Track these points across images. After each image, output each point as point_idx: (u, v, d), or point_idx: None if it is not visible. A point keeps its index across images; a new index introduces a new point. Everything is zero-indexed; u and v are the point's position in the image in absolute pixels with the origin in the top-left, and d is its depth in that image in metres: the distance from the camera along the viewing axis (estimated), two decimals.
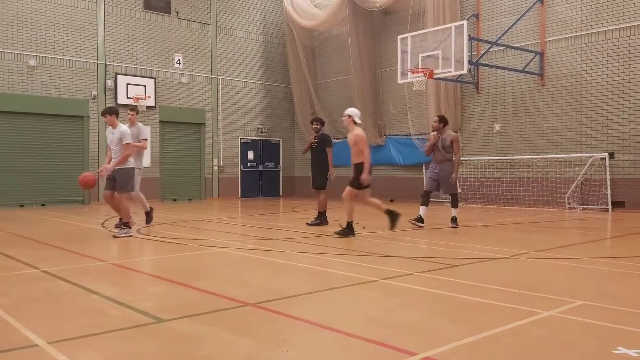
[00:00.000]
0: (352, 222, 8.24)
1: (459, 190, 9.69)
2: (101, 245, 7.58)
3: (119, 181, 8.37)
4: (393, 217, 8.56)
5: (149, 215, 9.84)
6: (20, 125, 15.72)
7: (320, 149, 10.02)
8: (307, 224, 9.95)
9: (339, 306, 4.19)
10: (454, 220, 9.62)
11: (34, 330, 3.42)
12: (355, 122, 8.24)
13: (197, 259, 6.57)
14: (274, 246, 7.47)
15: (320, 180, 10.02)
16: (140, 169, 9.55)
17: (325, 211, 10.01)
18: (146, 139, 9.68)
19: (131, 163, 8.53)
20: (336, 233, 8.32)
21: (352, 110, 8.34)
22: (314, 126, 10.21)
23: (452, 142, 9.49)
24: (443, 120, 9.67)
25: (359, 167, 8.16)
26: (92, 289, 4.68)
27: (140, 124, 9.76)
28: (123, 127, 8.49)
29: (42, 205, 15.86)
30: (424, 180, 9.81)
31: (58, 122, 16.31)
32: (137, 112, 9.83)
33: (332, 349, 3.18)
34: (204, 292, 4.60)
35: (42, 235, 8.58)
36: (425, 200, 9.70)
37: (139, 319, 3.76)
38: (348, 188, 8.24)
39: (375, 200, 8.58)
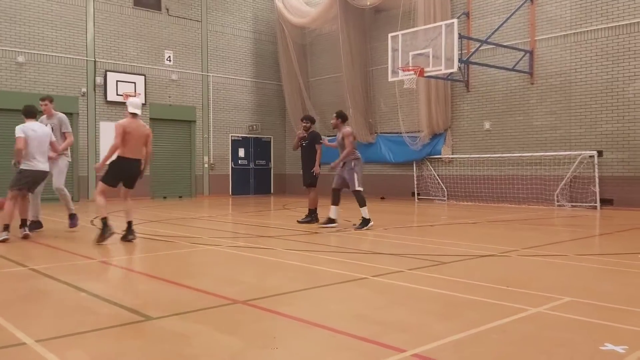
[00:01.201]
0: (106, 218, 7.22)
1: (359, 188, 9.02)
2: (90, 243, 7.53)
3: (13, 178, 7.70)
4: (104, 231, 7.23)
5: (72, 219, 8.75)
6: (9, 122, 15.54)
7: (310, 147, 10.00)
8: (298, 221, 9.95)
9: (329, 303, 4.20)
10: (362, 221, 8.97)
11: (22, 329, 3.39)
12: (131, 113, 7.42)
13: (186, 257, 6.55)
14: (264, 244, 7.47)
15: (310, 177, 10.01)
16: (68, 161, 8.81)
17: (316, 209, 10.01)
18: (69, 132, 8.72)
19: (25, 164, 7.60)
20: (97, 240, 7.24)
21: (130, 101, 7.58)
22: (303, 124, 10.18)
23: (342, 138, 9.09)
24: (341, 116, 9.36)
25: (114, 161, 7.35)
26: (80, 287, 4.66)
27: (60, 114, 8.79)
28: (21, 126, 7.65)
29: None
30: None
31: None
32: (51, 101, 8.71)
33: (321, 346, 3.18)
34: (193, 290, 4.58)
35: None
36: (335, 199, 9.28)
37: (128, 316, 3.75)
38: (100, 183, 7.42)
39: (103, 203, 7.33)
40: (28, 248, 7.08)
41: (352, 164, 9.09)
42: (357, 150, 9.26)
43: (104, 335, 3.33)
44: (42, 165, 7.75)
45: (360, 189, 9.06)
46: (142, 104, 17.74)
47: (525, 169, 14.64)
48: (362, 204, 9.03)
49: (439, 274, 5.23)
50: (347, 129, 9.24)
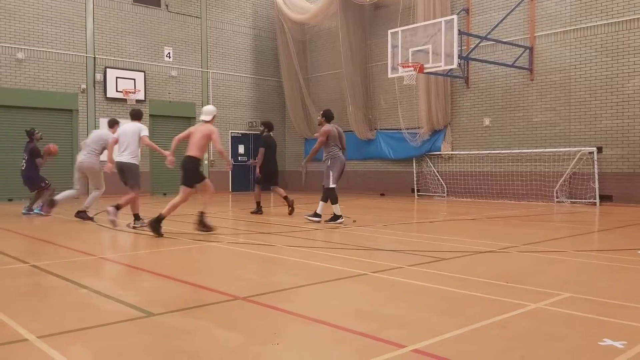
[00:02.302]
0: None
1: (332, 186, 9.06)
2: (91, 239, 7.55)
3: None
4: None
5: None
6: (9, 118, 15.56)
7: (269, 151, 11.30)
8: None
9: (329, 299, 4.22)
10: (333, 217, 9.05)
11: (24, 325, 3.41)
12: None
13: (187, 253, 6.57)
14: (265, 240, 7.49)
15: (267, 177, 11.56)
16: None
17: (287, 196, 11.26)
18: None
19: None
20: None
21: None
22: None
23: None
24: (325, 115, 9.56)
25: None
26: (81, 284, 4.67)
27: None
28: None
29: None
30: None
31: (47, 115, 16.16)
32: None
33: (321, 342, 3.20)
34: (194, 286, 4.60)
35: (30, 229, 8.53)
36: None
37: (130, 313, 3.76)
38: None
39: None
40: (29, 245, 7.10)
41: (329, 161, 9.18)
42: (336, 147, 9.27)
43: (106, 332, 3.35)
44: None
45: (333, 186, 9.09)
46: (142, 100, 17.75)
47: (525, 165, 14.65)
48: (333, 201, 9.08)
49: (439, 270, 5.25)
50: (324, 127, 9.37)
